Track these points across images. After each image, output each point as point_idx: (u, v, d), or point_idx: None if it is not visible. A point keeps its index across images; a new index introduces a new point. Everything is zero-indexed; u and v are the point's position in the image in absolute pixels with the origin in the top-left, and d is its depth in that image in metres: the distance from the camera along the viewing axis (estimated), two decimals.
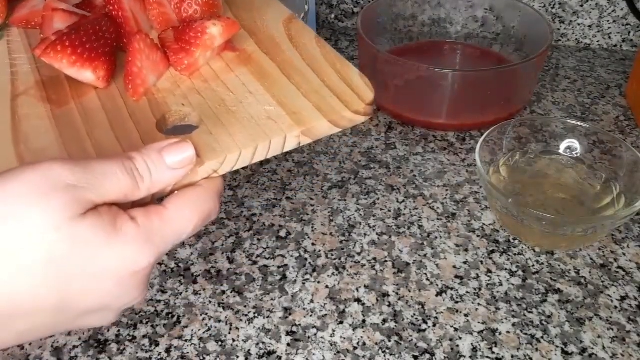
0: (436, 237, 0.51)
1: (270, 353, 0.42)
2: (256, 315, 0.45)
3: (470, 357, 0.42)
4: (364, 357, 0.42)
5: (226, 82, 0.39)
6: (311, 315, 0.45)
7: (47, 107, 0.38)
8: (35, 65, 0.42)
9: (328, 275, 0.48)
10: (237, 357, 0.42)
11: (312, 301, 0.46)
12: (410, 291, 0.46)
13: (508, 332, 0.43)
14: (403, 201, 0.54)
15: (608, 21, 0.75)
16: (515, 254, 0.49)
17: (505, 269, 0.48)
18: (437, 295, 0.46)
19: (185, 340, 0.43)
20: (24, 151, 0.34)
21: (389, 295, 0.46)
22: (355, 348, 0.42)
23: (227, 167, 0.34)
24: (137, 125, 0.36)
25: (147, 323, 0.44)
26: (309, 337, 0.43)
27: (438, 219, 0.52)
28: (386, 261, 0.49)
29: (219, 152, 0.33)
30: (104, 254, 0.28)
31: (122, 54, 0.40)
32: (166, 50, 0.40)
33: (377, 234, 0.51)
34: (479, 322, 0.44)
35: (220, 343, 0.43)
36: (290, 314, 0.45)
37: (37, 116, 0.37)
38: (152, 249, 0.29)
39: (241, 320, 0.44)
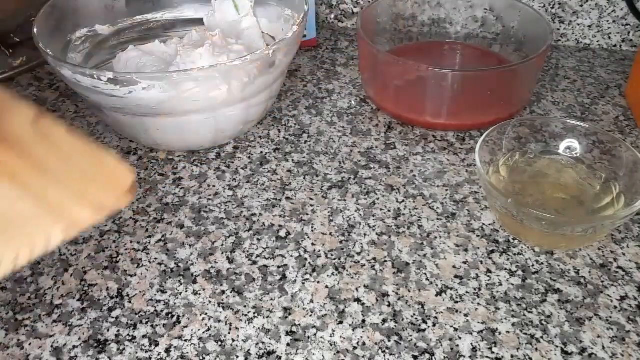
0: (436, 237, 0.51)
1: (270, 353, 0.42)
2: (256, 315, 0.45)
3: (470, 357, 0.42)
4: (363, 357, 0.42)
5: None
6: (311, 315, 0.45)
7: None
8: None
9: (328, 275, 0.48)
10: (237, 357, 0.42)
11: (311, 301, 0.46)
12: (410, 291, 0.46)
13: (508, 332, 0.43)
14: (403, 201, 0.54)
15: (608, 21, 0.75)
16: (515, 254, 0.49)
17: (505, 269, 0.48)
18: (436, 295, 0.46)
19: (185, 340, 0.43)
20: None
21: (388, 295, 0.46)
22: (355, 348, 0.42)
23: None
24: None
25: (146, 323, 0.44)
26: (308, 337, 0.43)
27: (438, 219, 0.52)
28: (386, 261, 0.49)
29: None
30: None
31: None
32: None
33: (376, 234, 0.51)
34: (478, 322, 0.44)
35: (219, 343, 0.43)
36: (290, 314, 0.45)
37: None
38: None
39: (241, 320, 0.44)
